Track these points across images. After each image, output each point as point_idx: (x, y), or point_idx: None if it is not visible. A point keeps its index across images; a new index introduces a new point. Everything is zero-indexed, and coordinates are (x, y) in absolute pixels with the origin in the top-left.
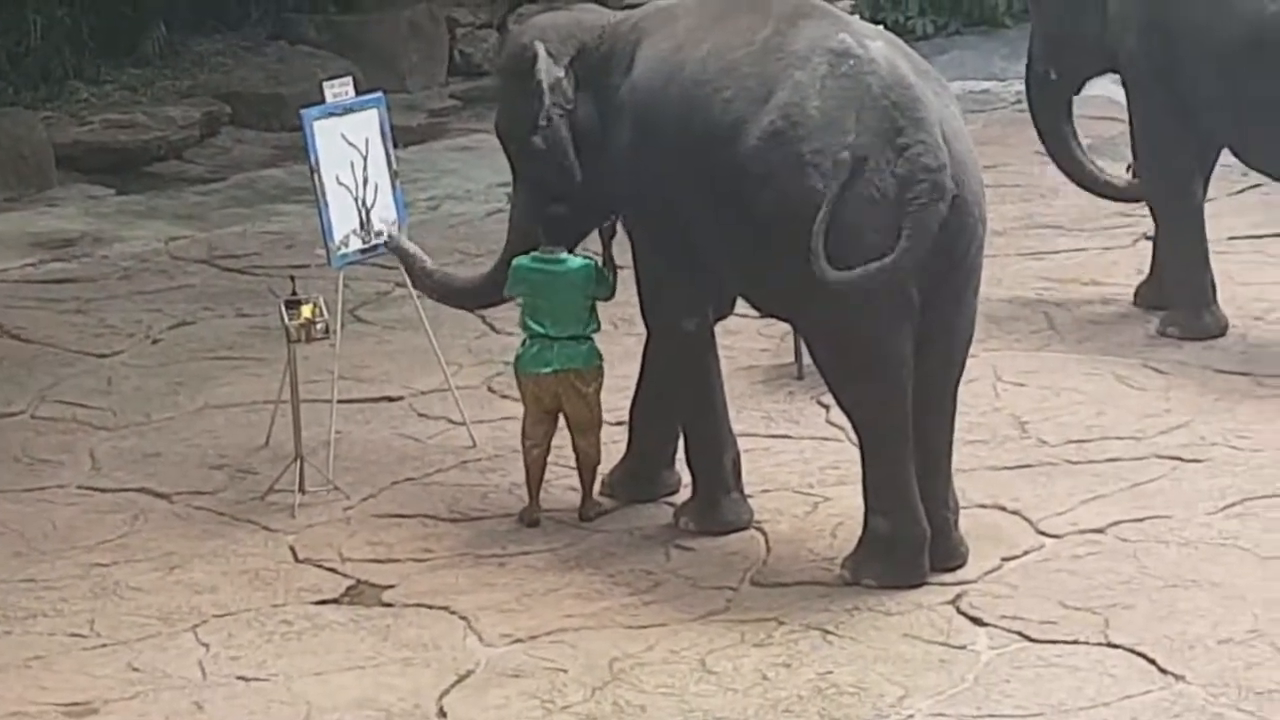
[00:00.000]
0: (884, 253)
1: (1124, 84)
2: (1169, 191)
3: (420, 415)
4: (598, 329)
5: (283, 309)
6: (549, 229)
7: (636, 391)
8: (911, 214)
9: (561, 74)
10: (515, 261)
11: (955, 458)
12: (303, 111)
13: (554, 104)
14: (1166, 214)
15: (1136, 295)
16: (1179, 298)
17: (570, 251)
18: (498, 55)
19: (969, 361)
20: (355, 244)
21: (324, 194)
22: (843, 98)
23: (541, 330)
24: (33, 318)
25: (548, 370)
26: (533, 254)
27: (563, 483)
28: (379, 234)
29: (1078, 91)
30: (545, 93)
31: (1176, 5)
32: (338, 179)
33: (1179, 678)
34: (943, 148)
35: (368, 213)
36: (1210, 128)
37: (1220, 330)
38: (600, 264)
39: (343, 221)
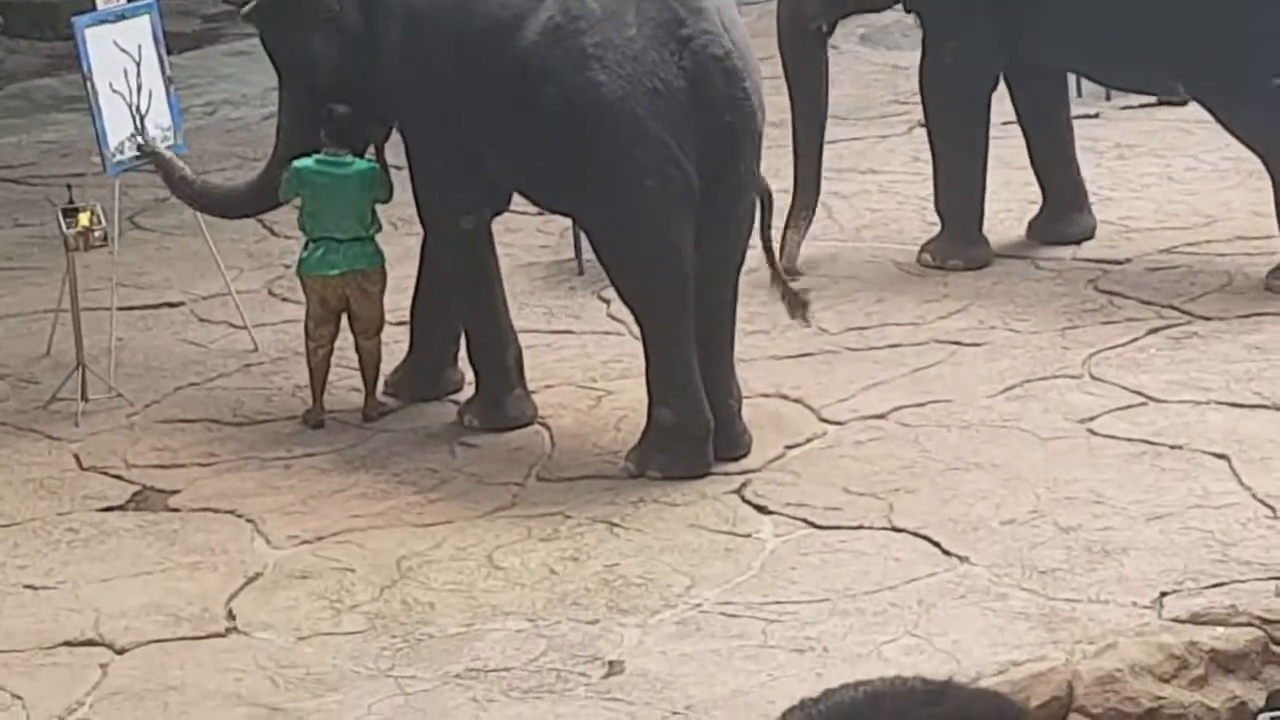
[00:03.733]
0: (667, 145)
1: (922, 22)
2: (952, 121)
3: (201, 320)
4: (379, 229)
5: (60, 217)
6: (332, 132)
7: (416, 291)
8: (721, 106)
9: None
10: (296, 164)
11: (737, 348)
12: (74, 19)
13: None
14: (948, 142)
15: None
16: (949, 224)
17: (357, 155)
18: None
19: (748, 252)
20: (130, 150)
21: (97, 101)
22: None
23: (326, 233)
24: None
25: (335, 272)
26: (316, 157)
27: (345, 383)
28: (150, 139)
29: (830, 32)
30: None
31: None
32: (111, 86)
33: (963, 559)
34: (725, 35)
35: (142, 119)
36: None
37: (987, 260)
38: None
39: (117, 128)
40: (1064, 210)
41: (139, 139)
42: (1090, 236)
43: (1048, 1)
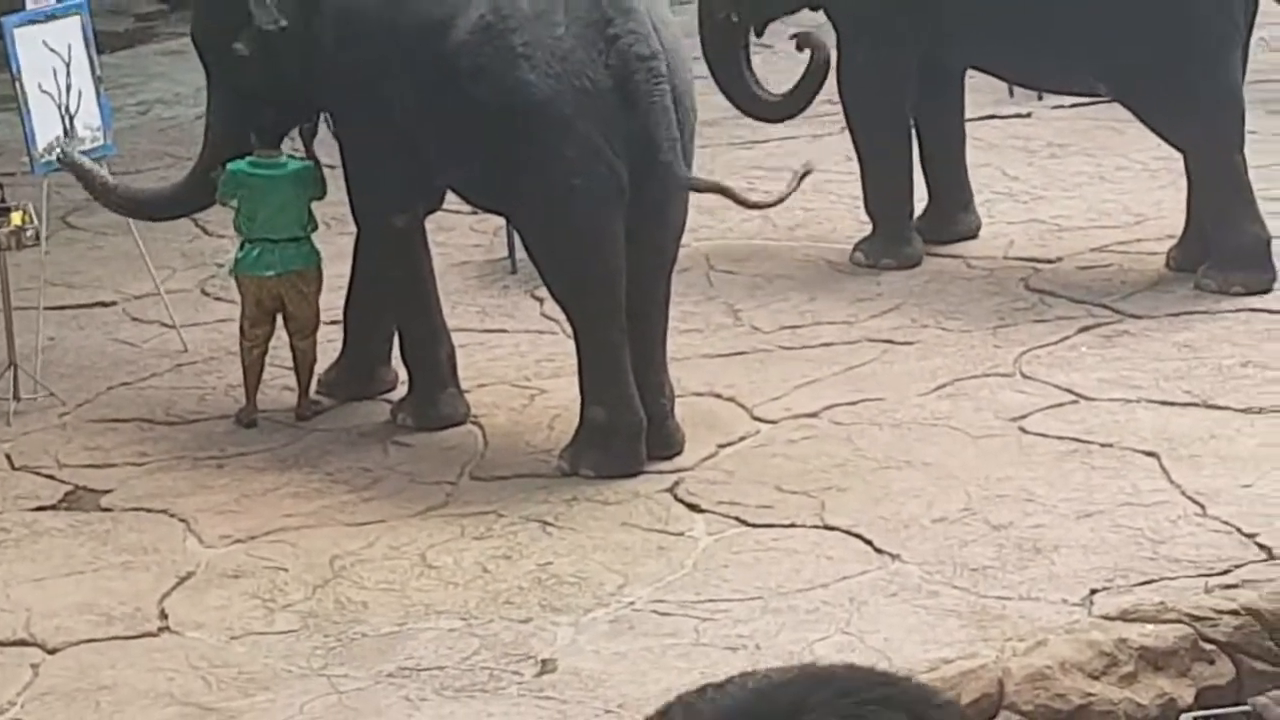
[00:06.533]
0: (595, 144)
1: (834, 23)
2: (873, 124)
3: (134, 320)
4: (315, 229)
5: None
6: (262, 133)
7: (350, 290)
8: (643, 106)
9: None
10: (231, 166)
11: (670, 346)
12: (3, 19)
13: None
14: (872, 145)
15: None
16: (880, 225)
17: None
18: None
19: (681, 251)
20: (57, 151)
21: (26, 102)
22: None
23: (262, 234)
24: None
25: (271, 273)
26: (249, 158)
27: (278, 383)
28: (81, 140)
29: (760, 34)
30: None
31: None
32: (40, 86)
33: (895, 557)
34: (653, 35)
35: (71, 120)
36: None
37: (919, 259)
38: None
39: (46, 129)
40: (951, 208)
41: (58, 148)
42: (974, 235)
43: (965, 2)
